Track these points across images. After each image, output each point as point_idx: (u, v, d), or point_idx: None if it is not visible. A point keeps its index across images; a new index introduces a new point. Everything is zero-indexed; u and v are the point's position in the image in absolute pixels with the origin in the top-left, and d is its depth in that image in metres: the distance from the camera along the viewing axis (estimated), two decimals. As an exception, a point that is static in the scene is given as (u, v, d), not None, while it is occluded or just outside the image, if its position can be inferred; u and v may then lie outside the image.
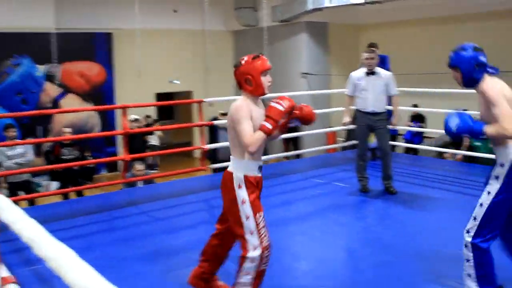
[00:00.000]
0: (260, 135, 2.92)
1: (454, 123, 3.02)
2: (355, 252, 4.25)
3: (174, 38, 14.30)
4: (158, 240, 4.53)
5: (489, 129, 2.92)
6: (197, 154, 11.72)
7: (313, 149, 8.65)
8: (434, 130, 9.32)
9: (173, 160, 13.74)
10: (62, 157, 8.50)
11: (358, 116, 5.87)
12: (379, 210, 5.42)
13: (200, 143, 6.70)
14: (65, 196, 7.89)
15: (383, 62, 7.39)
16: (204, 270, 3.36)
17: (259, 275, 3.07)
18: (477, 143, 8.36)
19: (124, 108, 6.06)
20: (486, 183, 3.07)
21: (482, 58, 3.01)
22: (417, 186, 6.23)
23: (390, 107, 6.04)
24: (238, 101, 3.05)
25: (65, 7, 12.16)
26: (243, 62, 3.10)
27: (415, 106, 9.64)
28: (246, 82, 3.06)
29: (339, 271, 3.81)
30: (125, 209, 5.48)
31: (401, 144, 8.87)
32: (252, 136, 2.92)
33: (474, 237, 3.02)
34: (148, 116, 13.11)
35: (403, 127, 7.38)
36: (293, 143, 12.69)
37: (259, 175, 3.12)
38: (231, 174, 3.07)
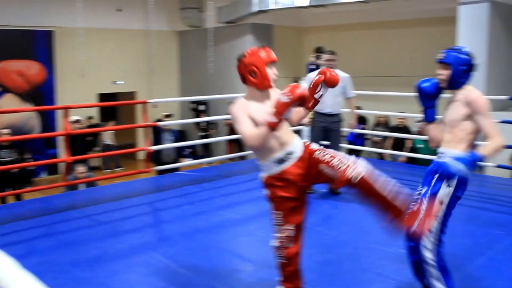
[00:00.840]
0: (261, 129, 2.78)
1: (459, 167, 2.83)
2: (300, 252, 4.30)
3: (118, 38, 14.06)
4: (102, 244, 4.44)
5: (486, 151, 2.91)
6: (141, 156, 11.57)
7: (258, 150, 8.69)
8: (376, 132, 9.56)
9: (116, 161, 13.56)
10: (-1, 159, 8.22)
11: (315, 117, 5.93)
12: (324, 210, 5.50)
13: (145, 145, 6.62)
14: (3, 200, 7.63)
15: None
16: None
17: (283, 267, 3.13)
18: (420, 145, 8.64)
19: (66, 109, 5.92)
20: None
21: (473, 65, 3.05)
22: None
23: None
24: (234, 103, 2.97)
25: (3, 3, 11.75)
26: (246, 54, 2.97)
27: (358, 108, 9.84)
28: (251, 74, 2.94)
29: (284, 272, 3.84)
30: (66, 212, 5.34)
31: (366, 147, 9.02)
32: (252, 130, 2.82)
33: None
34: (90, 117, 12.87)
35: (346, 129, 7.54)
36: (238, 145, 12.72)
37: (282, 167, 2.93)
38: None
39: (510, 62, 10.02)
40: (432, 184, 3.06)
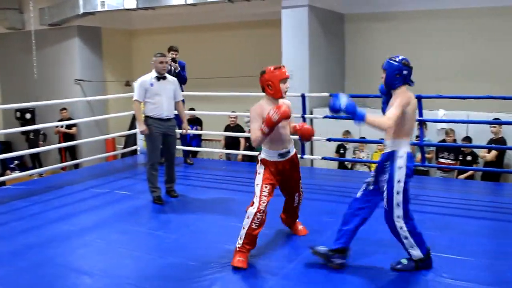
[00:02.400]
0: (259, 135, 3.86)
1: (342, 101, 3.39)
2: (140, 258, 4.23)
3: None
4: None
5: (370, 118, 3.40)
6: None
7: (92, 157, 8.38)
8: (211, 132, 9.73)
9: None
10: None
11: (152, 123, 5.70)
12: (162, 214, 5.47)
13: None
14: None
15: (183, 68, 7.55)
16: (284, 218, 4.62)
17: (250, 233, 3.90)
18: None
19: None
20: (382, 174, 3.66)
21: (405, 71, 3.59)
22: (197, 188, 6.45)
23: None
24: (256, 104, 4.03)
25: None
26: (266, 70, 3.97)
27: (192, 109, 9.95)
28: (268, 87, 3.96)
29: (125, 280, 3.75)
30: None
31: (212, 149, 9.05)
32: (255, 133, 3.89)
33: (404, 219, 3.59)
34: None
35: (180, 131, 7.51)
36: (70, 153, 12.13)
37: (280, 159, 4.09)
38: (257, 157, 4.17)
39: (328, 62, 10.85)
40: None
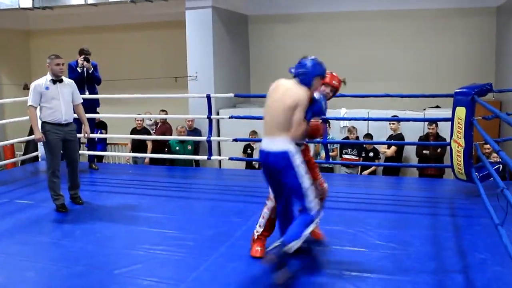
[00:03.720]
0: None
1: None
2: (44, 270, 4.05)
3: None
4: None
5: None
6: None
7: (-11, 165, 7.93)
8: (117, 135, 9.49)
9: None
10: None
11: (50, 129, 5.44)
12: (67, 222, 5.26)
13: None
14: None
15: (96, 69, 7.28)
16: None
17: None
18: (177, 147, 8.92)
19: None
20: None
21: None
22: (104, 194, 6.28)
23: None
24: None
25: None
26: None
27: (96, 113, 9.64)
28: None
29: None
30: None
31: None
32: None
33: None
34: None
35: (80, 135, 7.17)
36: None
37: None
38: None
39: (233, 62, 10.95)
40: None
